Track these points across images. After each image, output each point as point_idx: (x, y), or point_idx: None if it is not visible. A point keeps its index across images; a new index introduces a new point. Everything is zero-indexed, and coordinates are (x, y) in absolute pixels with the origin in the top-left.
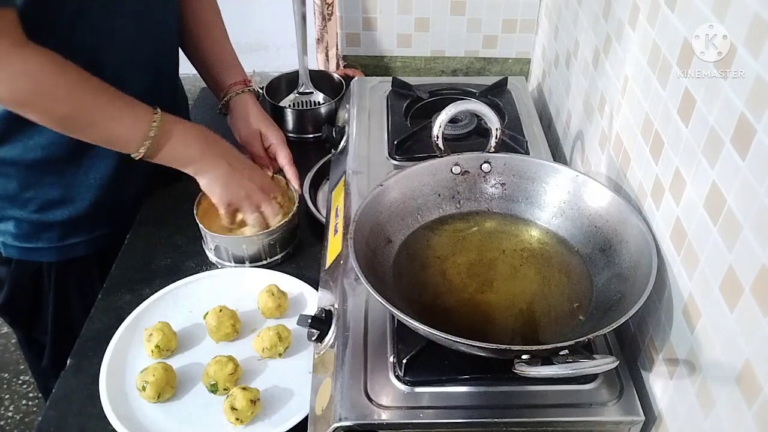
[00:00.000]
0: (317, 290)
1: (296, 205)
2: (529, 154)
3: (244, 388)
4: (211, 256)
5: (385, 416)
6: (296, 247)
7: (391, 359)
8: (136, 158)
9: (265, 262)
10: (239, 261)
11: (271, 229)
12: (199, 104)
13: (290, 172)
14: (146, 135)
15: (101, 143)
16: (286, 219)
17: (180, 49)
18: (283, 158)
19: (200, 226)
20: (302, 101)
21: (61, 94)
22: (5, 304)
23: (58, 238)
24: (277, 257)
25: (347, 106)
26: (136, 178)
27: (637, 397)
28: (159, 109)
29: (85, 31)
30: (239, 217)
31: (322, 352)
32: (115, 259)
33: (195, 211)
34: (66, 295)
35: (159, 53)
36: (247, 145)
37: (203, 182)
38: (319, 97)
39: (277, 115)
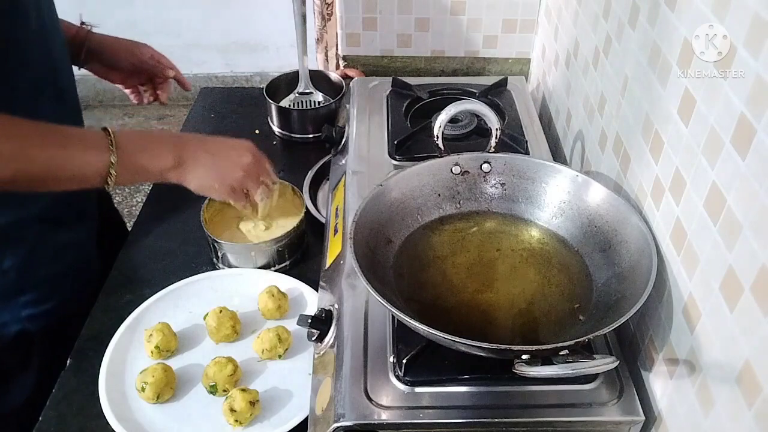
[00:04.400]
0: (317, 291)
1: (303, 211)
2: (529, 154)
3: (243, 390)
4: (219, 264)
5: (385, 416)
6: (304, 253)
7: (391, 359)
8: (110, 189)
9: (273, 269)
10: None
11: (279, 236)
12: (198, 104)
13: (179, 75)
14: (108, 162)
15: (65, 188)
16: (294, 225)
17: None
18: (167, 62)
19: (207, 234)
20: (302, 101)
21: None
22: None
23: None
24: (285, 263)
25: (347, 106)
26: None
27: (637, 397)
28: (109, 129)
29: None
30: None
31: (322, 353)
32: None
33: (202, 219)
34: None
35: (61, 74)
36: (142, 64)
37: (193, 186)
38: (319, 97)
39: (277, 115)
